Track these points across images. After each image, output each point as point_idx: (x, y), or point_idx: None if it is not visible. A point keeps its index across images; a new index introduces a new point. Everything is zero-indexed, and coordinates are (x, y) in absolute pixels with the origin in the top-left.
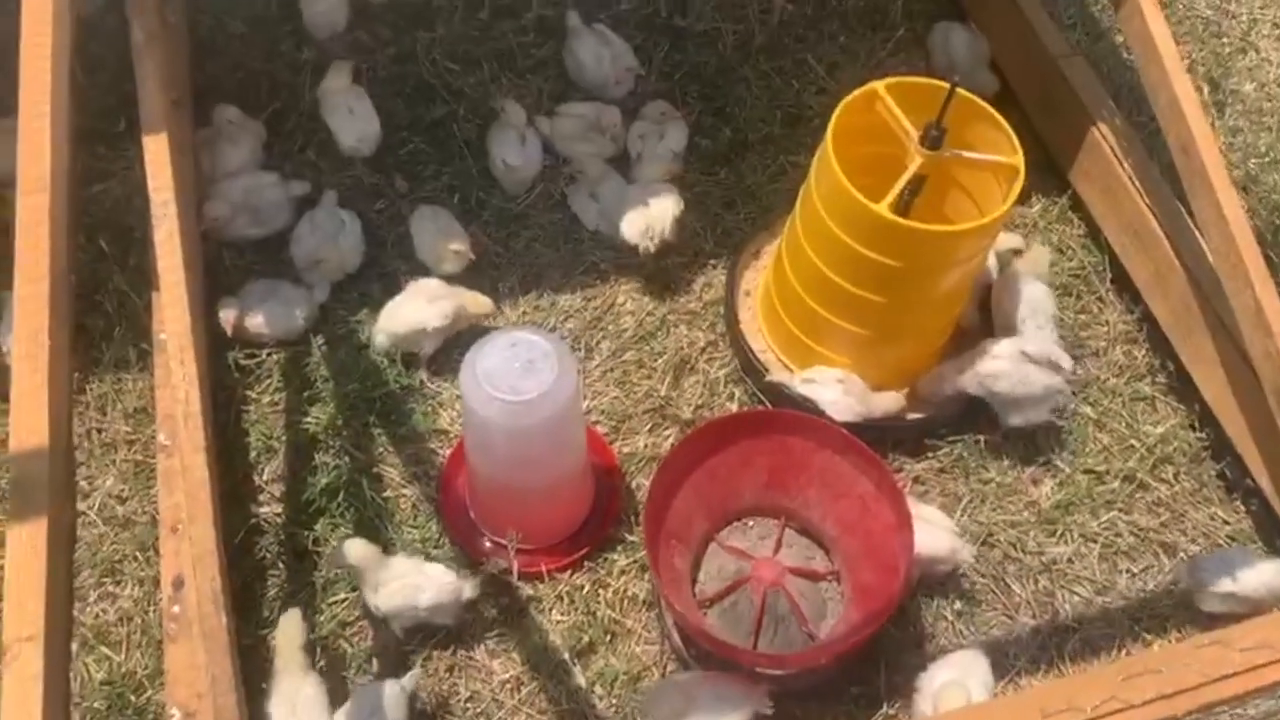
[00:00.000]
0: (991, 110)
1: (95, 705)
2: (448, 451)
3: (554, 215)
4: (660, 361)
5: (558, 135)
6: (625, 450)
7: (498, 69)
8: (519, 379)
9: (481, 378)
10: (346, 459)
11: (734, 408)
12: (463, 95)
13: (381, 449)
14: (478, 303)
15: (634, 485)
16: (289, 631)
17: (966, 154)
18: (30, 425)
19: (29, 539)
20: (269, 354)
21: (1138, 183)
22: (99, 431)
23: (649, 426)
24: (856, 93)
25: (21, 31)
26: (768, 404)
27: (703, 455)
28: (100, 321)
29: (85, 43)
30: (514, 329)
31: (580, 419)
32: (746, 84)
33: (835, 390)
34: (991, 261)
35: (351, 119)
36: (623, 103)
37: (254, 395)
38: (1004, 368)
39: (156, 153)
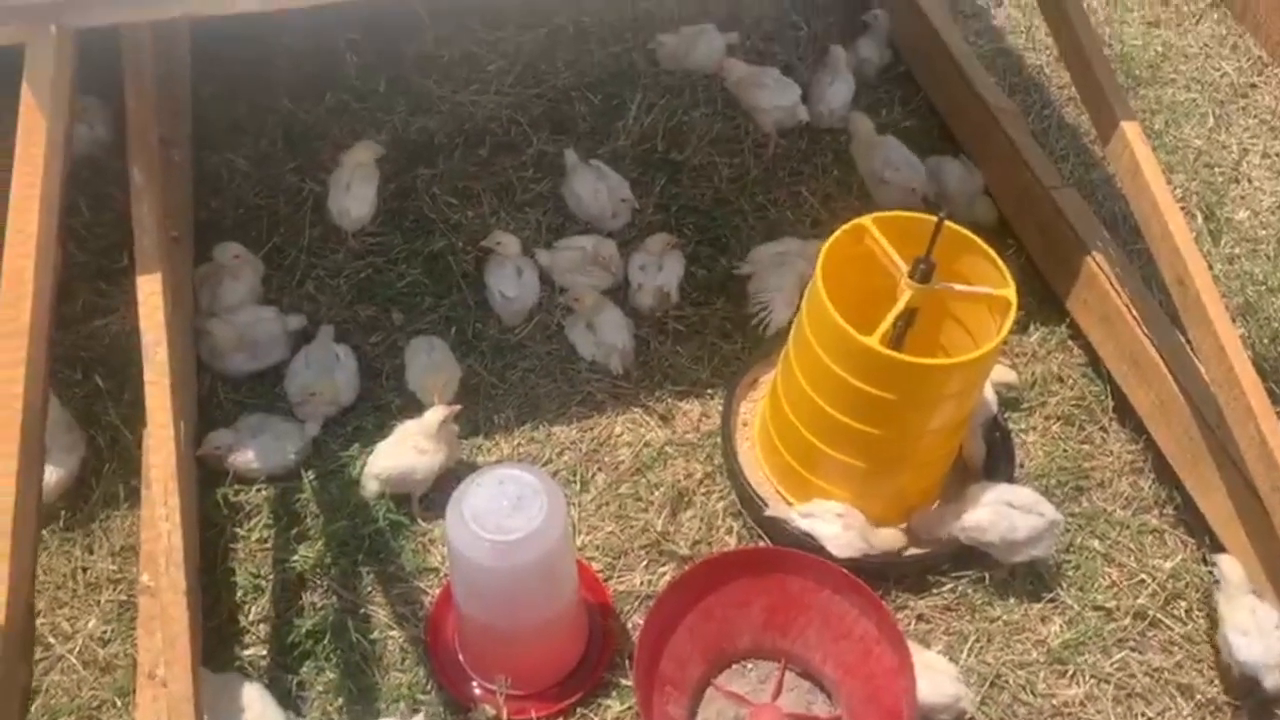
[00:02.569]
0: (981, 243)
1: None
2: (437, 591)
3: (550, 346)
4: (657, 494)
5: (556, 268)
6: (620, 588)
7: (497, 203)
8: (506, 517)
9: (468, 517)
10: (334, 599)
11: (733, 542)
12: (461, 228)
13: (370, 588)
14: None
15: (630, 625)
16: None
17: (957, 287)
18: None
19: None
20: (259, 490)
21: (1135, 312)
22: (84, 571)
23: (645, 563)
24: (845, 227)
25: (13, 179)
26: (767, 539)
27: (699, 595)
28: (92, 457)
29: (90, 180)
30: (502, 466)
31: (571, 557)
32: (742, 216)
33: (835, 525)
34: (990, 395)
35: (345, 193)
36: (620, 234)
37: (242, 532)
38: (987, 519)
39: (150, 294)
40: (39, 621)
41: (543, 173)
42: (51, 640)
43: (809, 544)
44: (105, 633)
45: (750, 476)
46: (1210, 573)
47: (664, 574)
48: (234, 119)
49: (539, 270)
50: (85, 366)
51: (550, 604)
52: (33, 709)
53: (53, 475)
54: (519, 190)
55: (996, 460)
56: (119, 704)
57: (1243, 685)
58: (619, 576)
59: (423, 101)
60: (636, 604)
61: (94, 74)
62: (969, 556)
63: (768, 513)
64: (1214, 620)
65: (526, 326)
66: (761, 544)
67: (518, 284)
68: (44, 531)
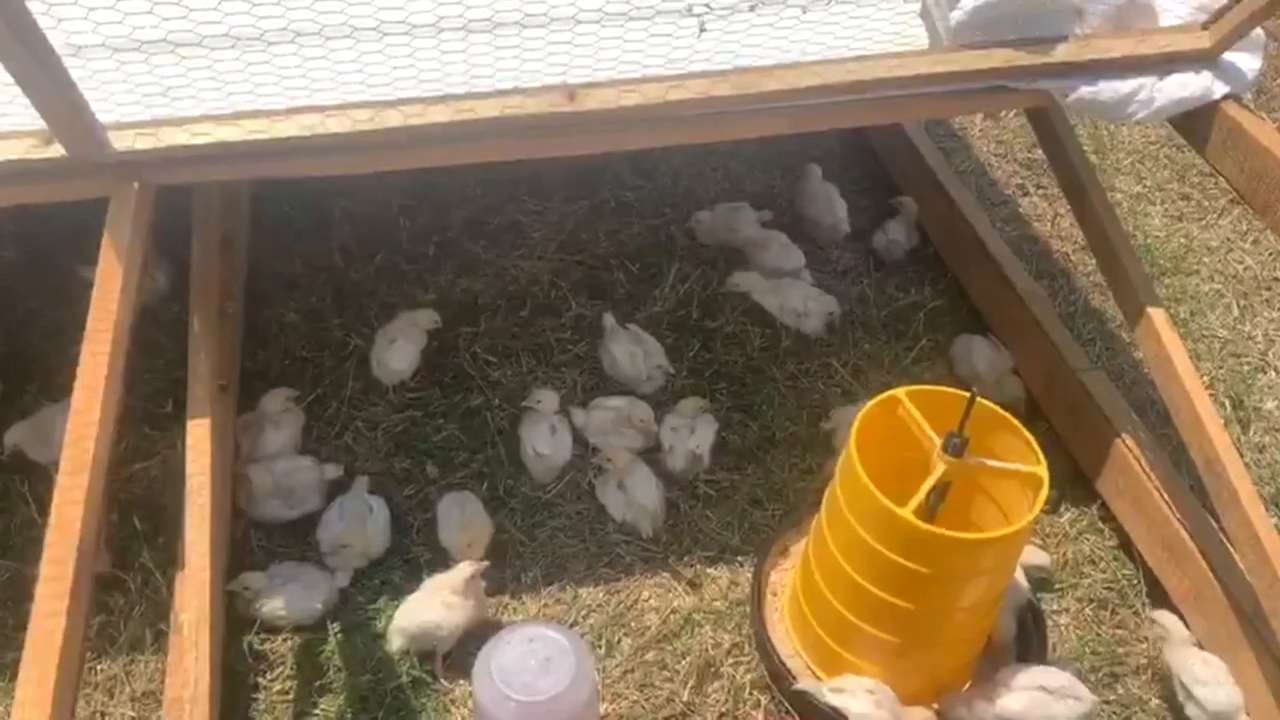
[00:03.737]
0: (1013, 420)
1: None
2: None
3: (581, 505)
4: (683, 663)
5: (590, 427)
6: None
7: (535, 362)
8: (535, 677)
9: (496, 675)
10: None
11: (759, 717)
12: (499, 386)
13: None
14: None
15: None
16: None
17: (990, 462)
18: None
19: None
20: (285, 639)
21: (1167, 496)
22: (103, 716)
23: None
24: (879, 398)
25: (86, 329)
26: (795, 715)
27: None
28: (121, 600)
29: (143, 327)
30: (532, 624)
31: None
32: (774, 384)
33: (866, 702)
34: (1020, 578)
35: (390, 347)
36: (653, 397)
37: (264, 683)
38: (1022, 707)
39: (199, 438)
40: None
41: (580, 335)
42: None
43: None
44: None
45: (780, 648)
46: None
47: None
48: (288, 275)
49: (573, 429)
50: (123, 508)
51: None
52: None
53: None
54: (557, 351)
55: (1028, 641)
56: None
57: None
58: None
59: (469, 264)
60: None
61: (157, 228)
62: None
63: (797, 687)
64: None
65: (558, 484)
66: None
67: (551, 441)
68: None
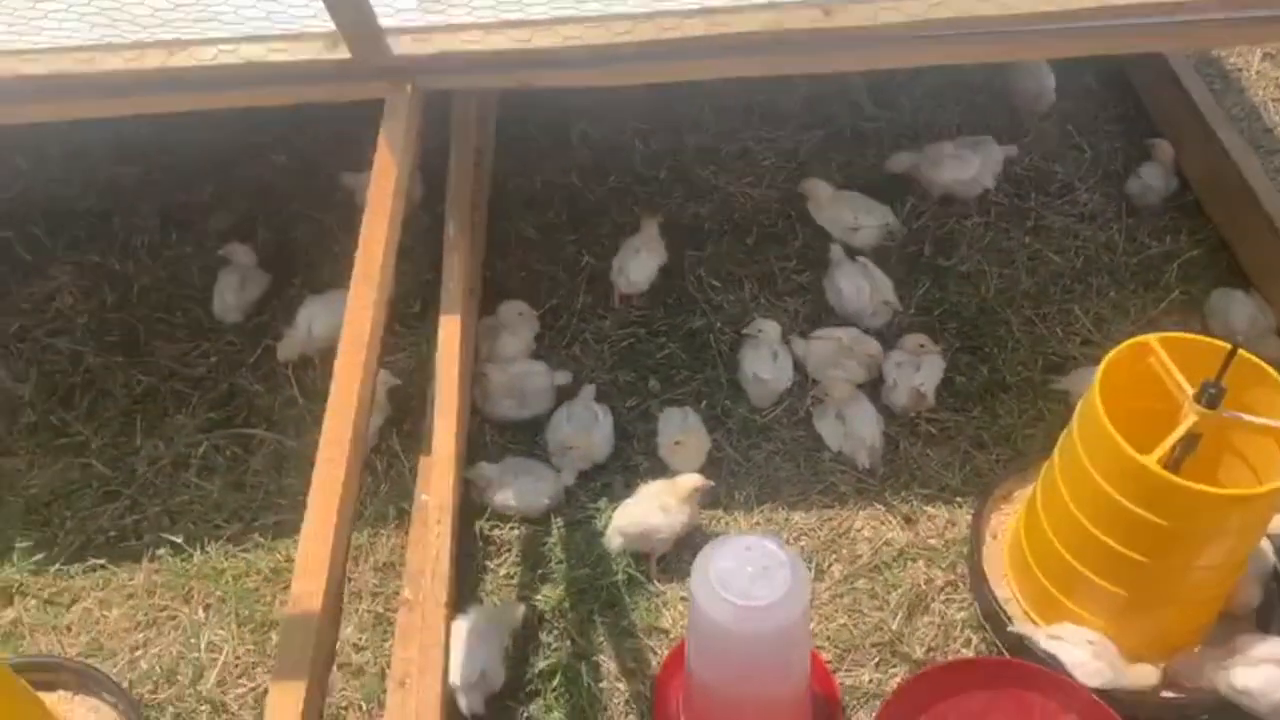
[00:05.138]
0: (1277, 376)
1: None
2: (665, 652)
3: (797, 432)
4: (894, 595)
5: (812, 357)
6: (848, 682)
7: (758, 289)
8: (751, 584)
9: (714, 579)
10: (568, 643)
11: (969, 654)
12: (721, 310)
13: (602, 639)
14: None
15: None
16: None
17: (1248, 417)
18: (314, 560)
19: (297, 659)
20: (511, 528)
21: None
22: (349, 580)
23: (875, 661)
24: (1128, 343)
25: (363, 222)
26: (1006, 655)
27: (932, 699)
28: (369, 479)
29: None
30: (750, 535)
31: (808, 637)
32: (1008, 327)
33: (1084, 651)
34: (1266, 546)
35: (635, 257)
36: (877, 332)
37: (491, 566)
38: (1261, 683)
39: (450, 335)
40: None
41: (805, 265)
42: None
43: (1051, 666)
44: (360, 640)
45: (996, 590)
46: None
47: (894, 675)
48: (528, 192)
49: (793, 357)
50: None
51: (782, 679)
52: None
53: None
54: (780, 279)
55: (1271, 613)
56: (364, 708)
57: None
58: (847, 671)
59: (698, 189)
60: (862, 701)
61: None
62: (1230, 709)
63: (1012, 629)
64: None
65: (775, 410)
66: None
67: (772, 367)
68: None
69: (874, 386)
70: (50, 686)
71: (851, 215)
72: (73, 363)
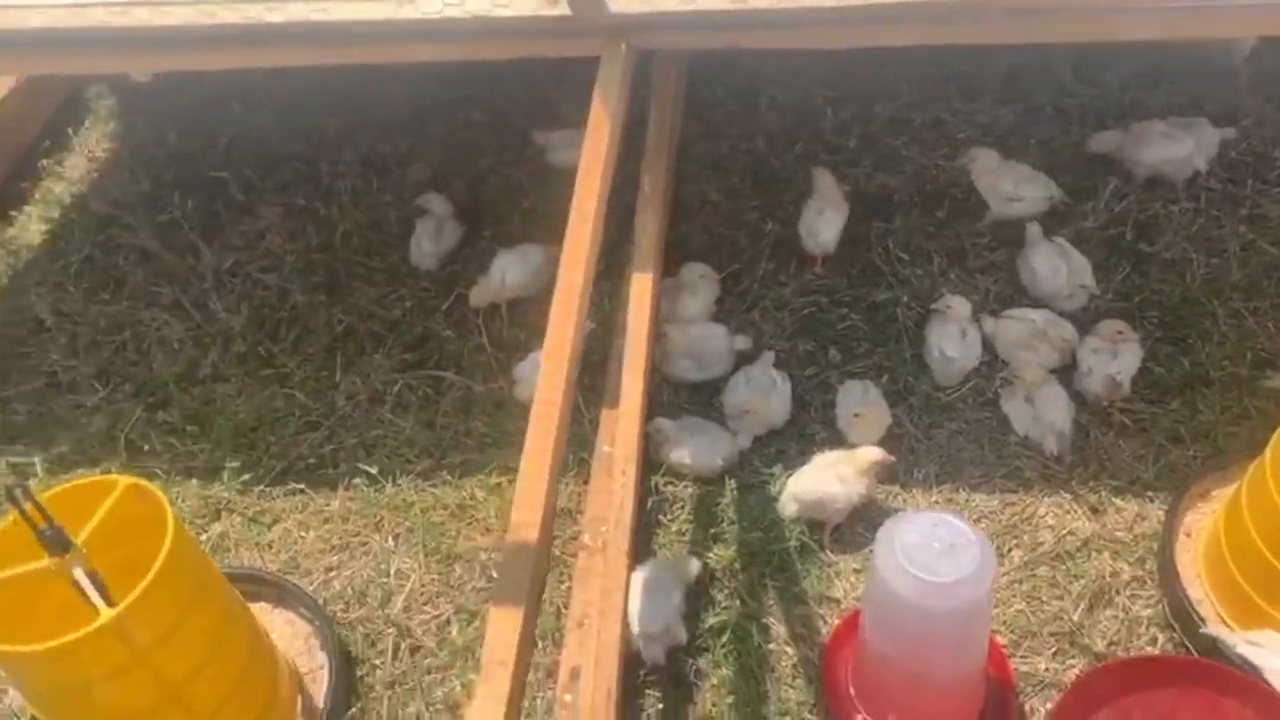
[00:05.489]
0: None
1: None
2: (836, 621)
3: (982, 413)
4: (1076, 585)
5: (1001, 337)
6: (1023, 669)
7: (947, 264)
8: (937, 560)
9: (899, 551)
10: (738, 603)
11: (1153, 652)
12: (908, 284)
13: (772, 602)
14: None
15: (1027, 708)
16: None
17: None
18: (531, 495)
19: (515, 583)
20: (685, 486)
21: None
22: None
23: (1053, 650)
24: None
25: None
26: (1196, 656)
27: (1115, 693)
28: None
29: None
30: (938, 511)
31: (988, 619)
32: (1214, 319)
33: None
34: None
35: (819, 219)
36: (1072, 316)
37: (664, 521)
38: None
39: (641, 291)
40: (484, 557)
41: (999, 242)
42: (495, 576)
43: (1247, 673)
44: None
45: (1188, 590)
46: None
47: (1071, 666)
48: (713, 155)
49: (982, 336)
50: None
51: (958, 658)
52: (470, 630)
53: None
54: (971, 256)
55: None
56: (539, 645)
57: None
58: (1022, 657)
59: (888, 159)
60: (1037, 689)
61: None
62: None
63: (1205, 631)
64: None
65: (960, 389)
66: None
67: (961, 345)
68: (503, 480)
69: (1066, 372)
70: (253, 598)
71: (1011, 185)
72: (280, 299)
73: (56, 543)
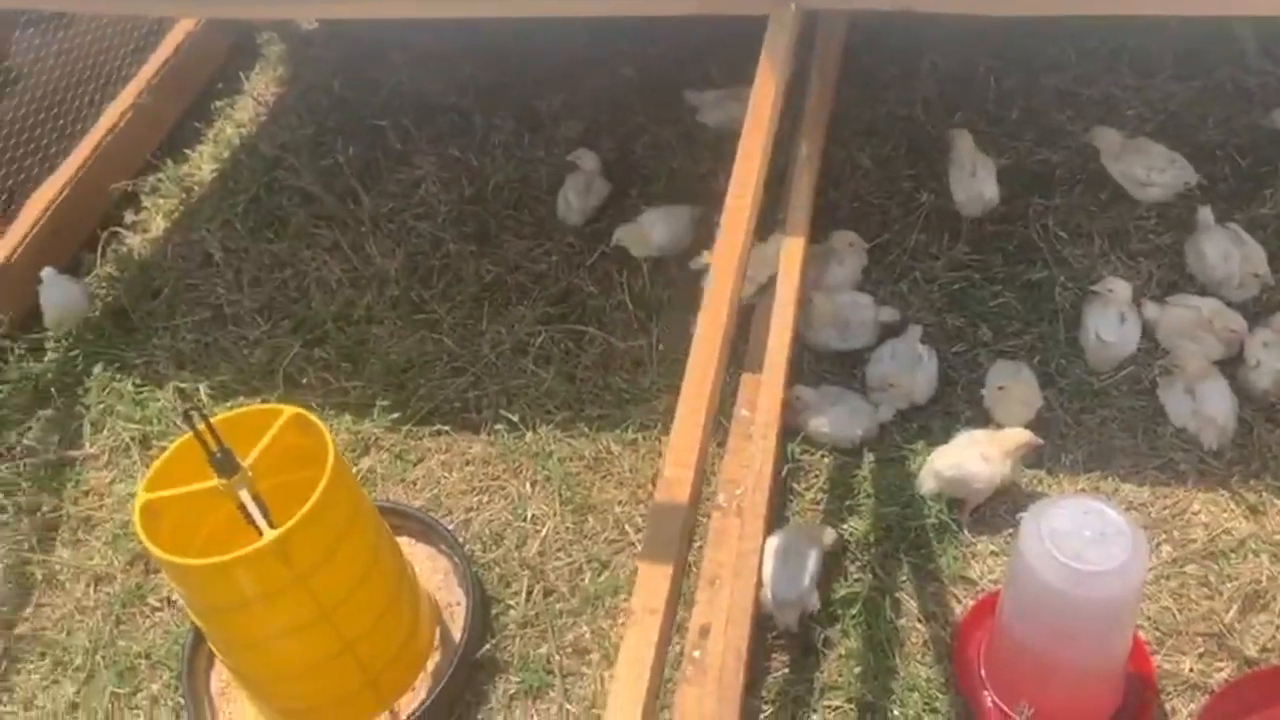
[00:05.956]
0: None
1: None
2: (970, 602)
3: (1137, 401)
4: (1228, 586)
5: (1164, 325)
6: (1166, 667)
7: (1108, 246)
8: (1086, 548)
9: (1046, 536)
10: (869, 576)
11: None
12: (1066, 263)
13: (905, 578)
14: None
15: (1168, 708)
16: None
17: None
18: (684, 450)
19: (667, 535)
20: (821, 455)
21: None
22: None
23: (1200, 651)
24: None
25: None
26: None
27: (1268, 702)
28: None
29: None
30: (1089, 498)
31: (1135, 612)
32: None
33: None
34: None
35: (971, 180)
36: (1241, 307)
37: (799, 489)
38: None
39: (792, 255)
40: (618, 510)
41: (1165, 225)
42: (628, 530)
43: None
44: None
45: None
46: None
47: (1219, 669)
48: (867, 121)
49: (1142, 322)
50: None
51: (1100, 650)
52: (601, 579)
53: None
54: (1135, 238)
55: None
56: None
57: None
58: (1166, 655)
59: (1051, 134)
60: (1179, 689)
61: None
62: None
63: None
64: None
65: (1115, 375)
66: None
67: (1119, 330)
68: (639, 437)
69: (1231, 365)
70: (398, 531)
71: (1144, 171)
72: (433, 246)
73: (226, 465)
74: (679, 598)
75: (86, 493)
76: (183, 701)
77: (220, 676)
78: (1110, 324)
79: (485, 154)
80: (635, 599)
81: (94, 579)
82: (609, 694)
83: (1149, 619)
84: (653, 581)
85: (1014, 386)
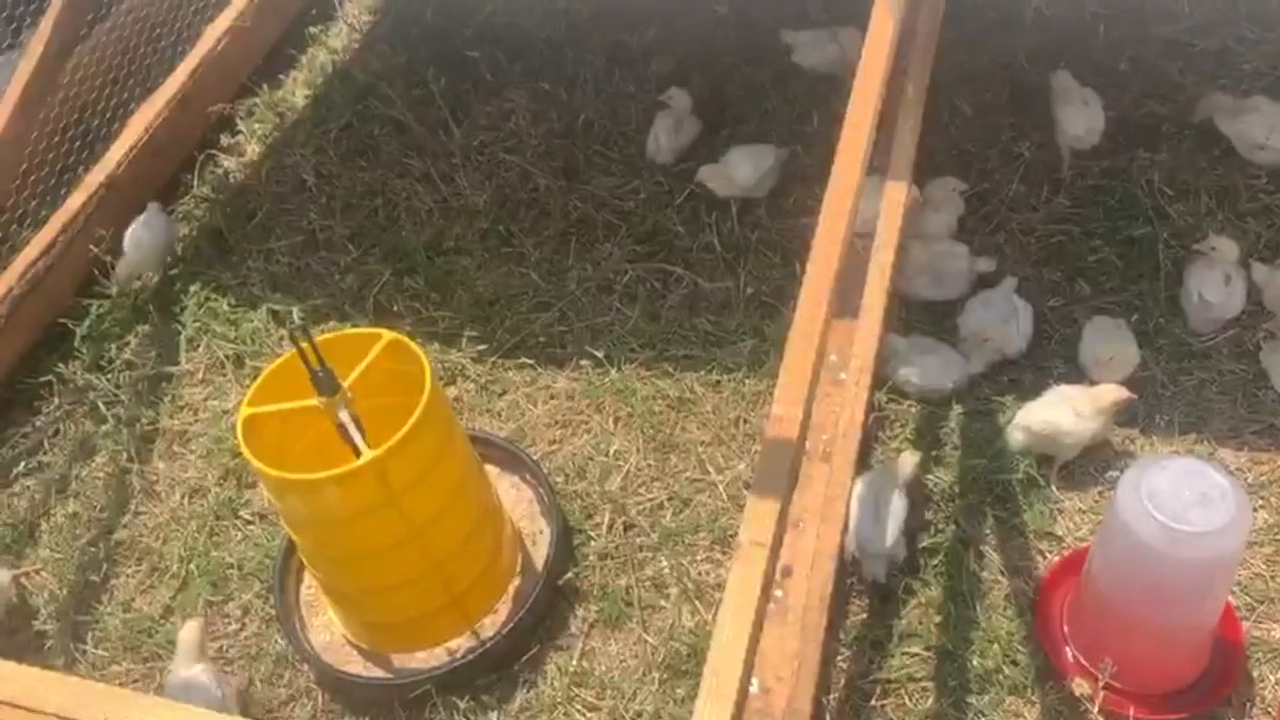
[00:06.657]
0: None
1: (679, 648)
2: (1055, 558)
3: (1238, 365)
4: None
5: (1271, 288)
6: (1255, 634)
7: (1215, 205)
8: (1186, 508)
9: (1145, 495)
10: (953, 527)
11: None
12: (1170, 220)
13: (989, 532)
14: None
15: (1255, 675)
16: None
17: None
18: (794, 390)
19: (776, 472)
20: (908, 406)
21: None
22: (745, 422)
23: None
24: None
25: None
26: None
27: None
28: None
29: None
30: (1194, 459)
31: (1231, 577)
32: None
33: None
34: None
35: (1084, 110)
36: None
37: (883, 438)
38: None
39: (894, 199)
40: (700, 451)
41: (1276, 185)
42: (709, 470)
43: None
44: (750, 477)
45: None
46: None
47: None
48: (968, 67)
49: (1248, 284)
50: (784, 254)
51: (1192, 612)
52: (682, 516)
53: None
54: (1245, 197)
55: None
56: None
57: None
58: (1256, 622)
59: (1160, 86)
60: (1268, 656)
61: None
62: None
63: None
64: None
65: (1216, 337)
66: None
67: (1223, 291)
68: (723, 379)
69: None
70: (484, 459)
71: (1263, 133)
72: (522, 180)
73: (327, 384)
74: (784, 534)
75: (182, 408)
76: (274, 612)
77: (308, 589)
78: (1214, 285)
79: (575, 88)
80: (743, 532)
81: (189, 491)
82: (716, 624)
83: (1241, 585)
84: (762, 516)
85: (1113, 347)
